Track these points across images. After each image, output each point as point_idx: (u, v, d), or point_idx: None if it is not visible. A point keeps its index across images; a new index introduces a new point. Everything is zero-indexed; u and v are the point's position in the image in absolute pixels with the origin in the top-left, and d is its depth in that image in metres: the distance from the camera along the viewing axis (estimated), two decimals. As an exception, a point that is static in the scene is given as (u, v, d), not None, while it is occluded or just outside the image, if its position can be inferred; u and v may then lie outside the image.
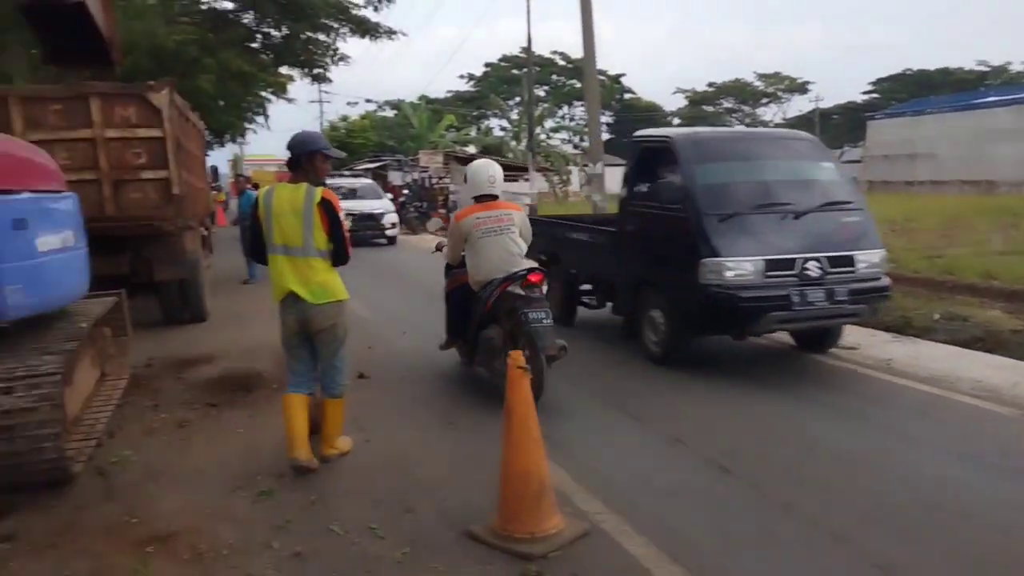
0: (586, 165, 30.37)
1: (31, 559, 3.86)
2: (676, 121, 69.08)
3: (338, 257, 4.82)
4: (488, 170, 6.48)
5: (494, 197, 6.40)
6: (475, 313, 6.39)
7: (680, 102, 75.34)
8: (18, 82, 12.75)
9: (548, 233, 9.36)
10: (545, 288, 6.25)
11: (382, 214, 21.43)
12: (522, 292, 6.01)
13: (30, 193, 5.25)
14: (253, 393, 6.65)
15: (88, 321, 5.90)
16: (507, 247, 6.22)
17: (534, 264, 6.32)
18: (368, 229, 20.74)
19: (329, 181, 17.97)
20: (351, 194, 21.62)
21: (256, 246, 4.97)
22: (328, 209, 4.70)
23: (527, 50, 22.99)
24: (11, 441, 4.45)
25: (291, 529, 4.09)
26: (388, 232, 21.44)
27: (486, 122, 55.87)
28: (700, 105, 71.81)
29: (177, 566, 3.73)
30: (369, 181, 25.76)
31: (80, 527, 4.20)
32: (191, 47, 18.12)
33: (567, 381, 6.66)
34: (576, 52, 51.06)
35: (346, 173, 22.99)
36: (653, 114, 66.84)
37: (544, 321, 5.90)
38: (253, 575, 3.63)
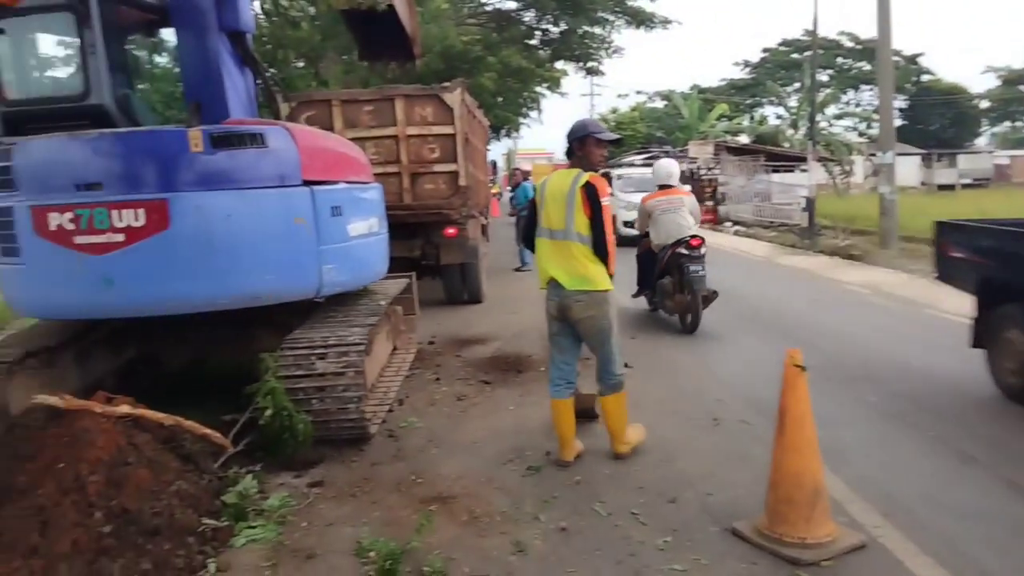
0: (873, 154, 28.10)
1: (336, 504, 4.43)
2: (984, 104, 61.35)
3: (596, 246, 4.65)
4: (668, 167, 9.13)
5: (670, 186, 8.86)
6: (656, 268, 8.79)
7: (991, 82, 66.81)
8: (333, 86, 14.43)
9: (992, 250, 6.01)
10: (704, 251, 8.38)
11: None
12: (686, 252, 8.34)
13: (346, 184, 5.96)
14: (524, 374, 7.02)
15: (386, 299, 6.59)
16: (677, 221, 8.49)
17: (697, 233, 8.46)
18: None
19: (618, 171, 18.05)
20: (645, 186, 18.49)
21: (529, 231, 5.05)
22: (590, 193, 4.58)
23: (812, 32, 21.64)
24: (322, 400, 5.13)
25: (557, 505, 4.30)
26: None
27: (760, 110, 53.58)
28: (1016, 85, 63.04)
29: (455, 526, 4.08)
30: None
31: (375, 481, 4.73)
32: (476, 47, 19.31)
33: (849, 389, 6.29)
34: (867, 32, 47.36)
35: (624, 163, 21.66)
36: (955, 97, 59.91)
37: (699, 272, 8.29)
38: (522, 542, 3.87)
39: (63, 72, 6.02)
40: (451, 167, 9.65)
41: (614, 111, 56.48)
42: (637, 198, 15.62)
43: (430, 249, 10.23)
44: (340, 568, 3.68)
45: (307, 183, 5.44)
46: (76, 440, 4.03)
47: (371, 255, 6.41)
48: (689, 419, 5.69)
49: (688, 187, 18.39)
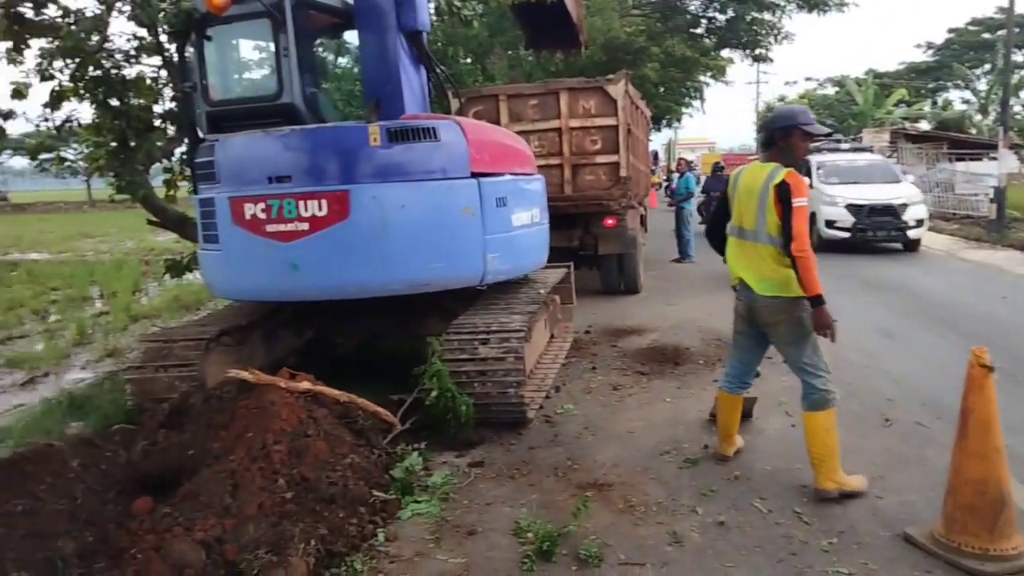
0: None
1: (495, 484, 4.58)
2: None
3: (787, 252, 4.15)
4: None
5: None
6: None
7: None
8: (498, 81, 14.76)
9: None
10: None
11: (903, 205, 14.27)
12: None
13: (511, 175, 6.12)
14: (681, 366, 6.94)
15: (546, 288, 6.71)
16: None
17: None
18: (879, 228, 14.29)
19: (820, 158, 16.64)
20: (853, 176, 15.41)
21: (715, 221, 4.77)
22: (783, 193, 4.09)
23: (1007, 9, 19.86)
24: (484, 384, 5.31)
25: (715, 498, 4.25)
26: (911, 232, 14.43)
27: (944, 95, 49.70)
28: None
29: (611, 513, 4.12)
30: (879, 158, 17.87)
31: (532, 464, 4.85)
32: (640, 37, 19.13)
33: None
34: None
35: (827, 148, 17.96)
36: None
37: None
38: (678, 534, 3.86)
39: (258, 74, 6.55)
40: (612, 158, 9.66)
41: (782, 99, 54.22)
42: (844, 192, 14.61)
43: (588, 239, 10.28)
44: (499, 546, 3.82)
45: (475, 175, 5.64)
46: (263, 412, 4.41)
47: (532, 244, 6.56)
48: (858, 419, 5.43)
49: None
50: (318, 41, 6.80)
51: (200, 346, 5.46)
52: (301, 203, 5.25)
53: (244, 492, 3.81)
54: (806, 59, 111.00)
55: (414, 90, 6.12)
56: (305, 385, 4.85)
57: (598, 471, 4.70)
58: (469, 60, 16.31)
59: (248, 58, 6.51)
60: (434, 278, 5.58)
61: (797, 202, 4.06)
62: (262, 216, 5.35)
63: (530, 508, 4.20)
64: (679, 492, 4.37)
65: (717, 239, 4.75)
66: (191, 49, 6.00)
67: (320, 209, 5.23)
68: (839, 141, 20.45)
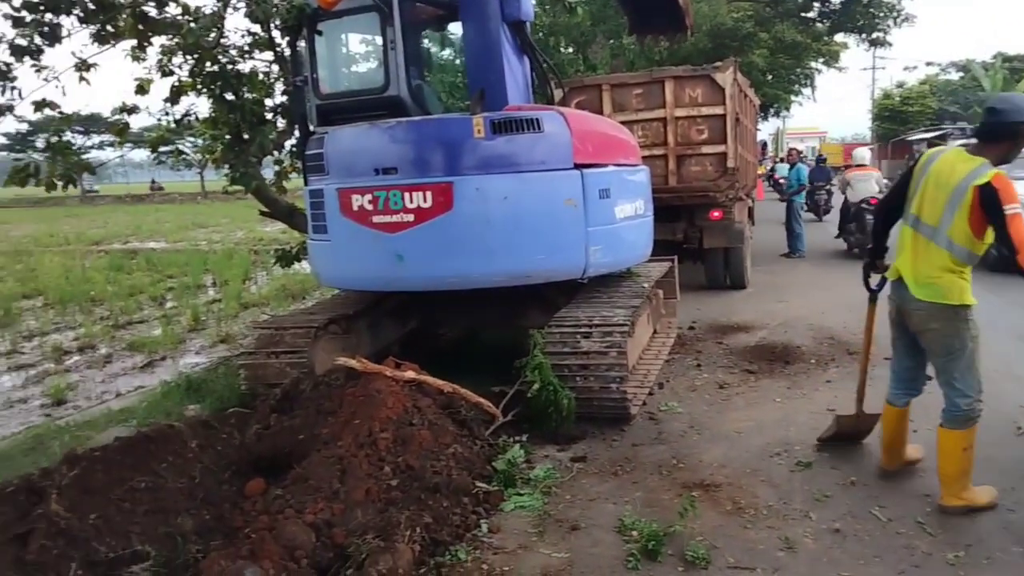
0: None
1: (598, 480, 4.52)
2: None
3: (1005, 266, 3.71)
4: (863, 153, 14.21)
5: (863, 165, 13.78)
6: (849, 216, 13.27)
7: None
8: (600, 70, 14.60)
9: None
10: None
11: None
12: (867, 207, 12.24)
13: (614, 166, 6.02)
14: (792, 366, 6.68)
15: (649, 282, 6.58)
16: (867, 187, 12.93)
17: (877, 196, 12.14)
18: None
19: None
20: None
21: (889, 203, 4.30)
22: (987, 198, 3.60)
23: None
24: (586, 378, 5.25)
25: (829, 504, 4.06)
26: None
27: (1090, 75, 46.15)
28: None
29: (719, 514, 4.00)
30: None
31: (636, 462, 4.76)
32: (747, 23, 18.54)
33: None
34: None
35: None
36: None
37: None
38: (791, 539, 3.70)
39: (366, 68, 6.66)
40: (719, 148, 9.37)
41: (900, 85, 51.54)
42: None
43: (693, 232, 10.04)
44: (603, 542, 3.75)
45: (578, 166, 5.57)
46: (370, 400, 4.48)
47: (636, 237, 6.43)
48: (986, 427, 5.04)
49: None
50: (423, 33, 6.87)
51: (309, 334, 5.60)
52: (407, 194, 5.32)
53: (352, 478, 3.88)
54: (927, 42, 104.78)
55: (517, 81, 6.09)
56: (410, 374, 4.91)
57: (704, 471, 4.57)
58: (571, 50, 16.19)
59: (357, 52, 6.64)
60: (535, 270, 5.55)
61: (1010, 209, 3.55)
62: (369, 207, 5.45)
63: (634, 506, 4.12)
64: (791, 496, 4.19)
65: (884, 222, 4.36)
66: (302, 44, 6.16)
67: (425, 201, 5.29)
68: (963, 130, 18.88)
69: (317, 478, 3.86)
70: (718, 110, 9.26)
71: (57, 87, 6.45)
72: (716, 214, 9.76)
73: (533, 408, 5.19)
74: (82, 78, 6.75)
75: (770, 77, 23.00)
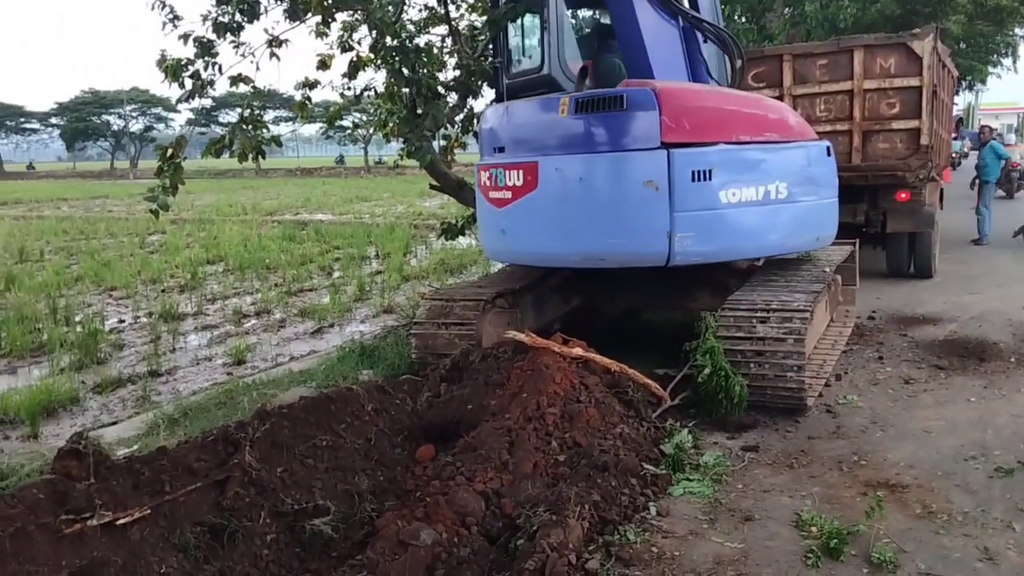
0: None
1: (771, 471, 4.31)
2: None
3: None
4: None
5: None
6: None
7: None
8: (777, 40, 13.84)
9: None
10: None
11: None
12: None
13: (729, 144, 5.51)
14: (987, 363, 6.11)
15: (831, 266, 6.19)
16: None
17: None
18: None
19: None
20: None
21: None
22: None
23: None
24: (760, 365, 5.01)
25: (1037, 516, 3.67)
26: None
27: None
28: None
29: (907, 517, 3.71)
30: None
31: (812, 455, 4.51)
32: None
33: None
34: None
35: None
36: None
37: None
38: (990, 550, 3.38)
39: (534, 48, 6.69)
40: (912, 123, 8.59)
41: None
42: None
43: (875, 215, 9.32)
44: (780, 536, 3.57)
45: (666, 145, 5.23)
46: (538, 374, 4.49)
47: (770, 222, 5.78)
48: None
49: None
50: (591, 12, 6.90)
51: (478, 307, 5.69)
52: (507, 172, 5.69)
53: (520, 450, 3.90)
54: None
55: (667, 54, 5.83)
56: (578, 351, 4.87)
57: (889, 470, 4.26)
58: (744, 20, 15.49)
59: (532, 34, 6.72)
60: (609, 253, 5.45)
61: None
62: (487, 183, 5.95)
63: (812, 501, 3.90)
64: (990, 504, 3.83)
65: None
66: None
67: (518, 179, 5.61)
68: None
69: (486, 448, 3.90)
70: (913, 82, 8.49)
71: (252, 62, 6.80)
72: (903, 195, 9.03)
73: (702, 393, 5.03)
74: (273, 54, 7.13)
75: (963, 46, 20.93)
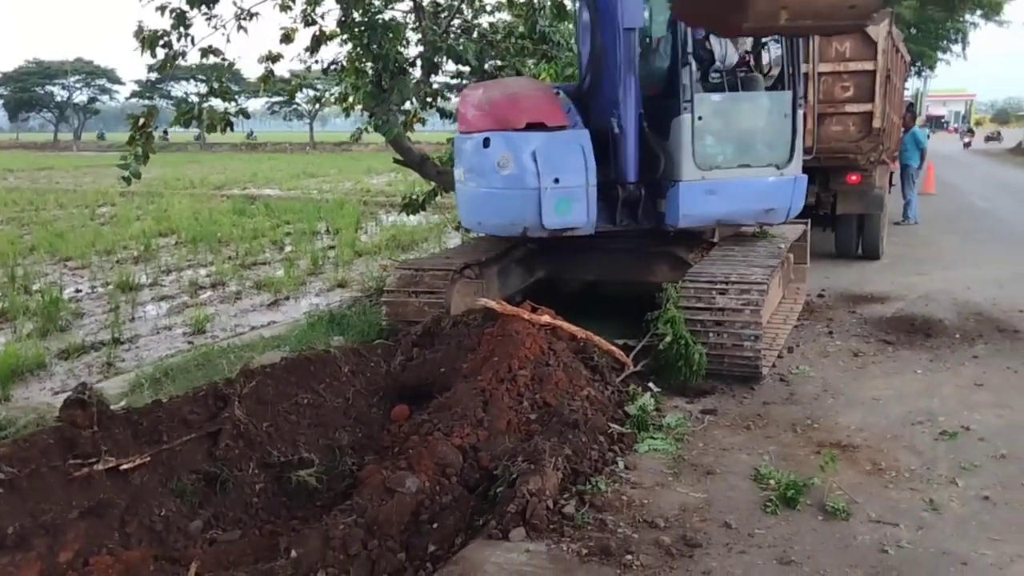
0: None
1: (729, 432, 4.54)
2: None
3: None
4: None
5: None
6: None
7: None
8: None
9: None
10: None
11: None
12: None
13: None
14: (933, 339, 6.41)
15: (785, 244, 6.45)
16: None
17: None
18: None
19: None
20: None
21: None
22: None
23: None
24: (719, 334, 5.23)
25: (978, 473, 3.94)
26: None
27: None
28: None
29: (858, 473, 3.96)
30: None
31: (768, 419, 4.74)
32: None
33: None
34: None
35: None
36: None
37: None
38: (935, 502, 3.63)
39: None
40: (865, 107, 8.87)
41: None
42: None
43: (826, 196, 9.54)
44: (739, 488, 3.79)
45: None
46: (509, 339, 4.63)
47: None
48: None
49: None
50: None
51: (447, 276, 5.80)
52: None
53: (494, 408, 4.05)
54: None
55: None
56: (546, 319, 5.02)
57: (840, 432, 4.51)
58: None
59: None
60: None
61: None
62: None
63: (769, 458, 4.13)
64: (935, 463, 4.09)
65: None
66: None
67: None
68: None
69: (462, 407, 4.03)
70: (867, 66, 8.72)
71: (223, 35, 6.78)
72: (854, 178, 9.30)
73: (663, 360, 5.23)
74: (240, 26, 7.11)
75: (914, 31, 21.25)
